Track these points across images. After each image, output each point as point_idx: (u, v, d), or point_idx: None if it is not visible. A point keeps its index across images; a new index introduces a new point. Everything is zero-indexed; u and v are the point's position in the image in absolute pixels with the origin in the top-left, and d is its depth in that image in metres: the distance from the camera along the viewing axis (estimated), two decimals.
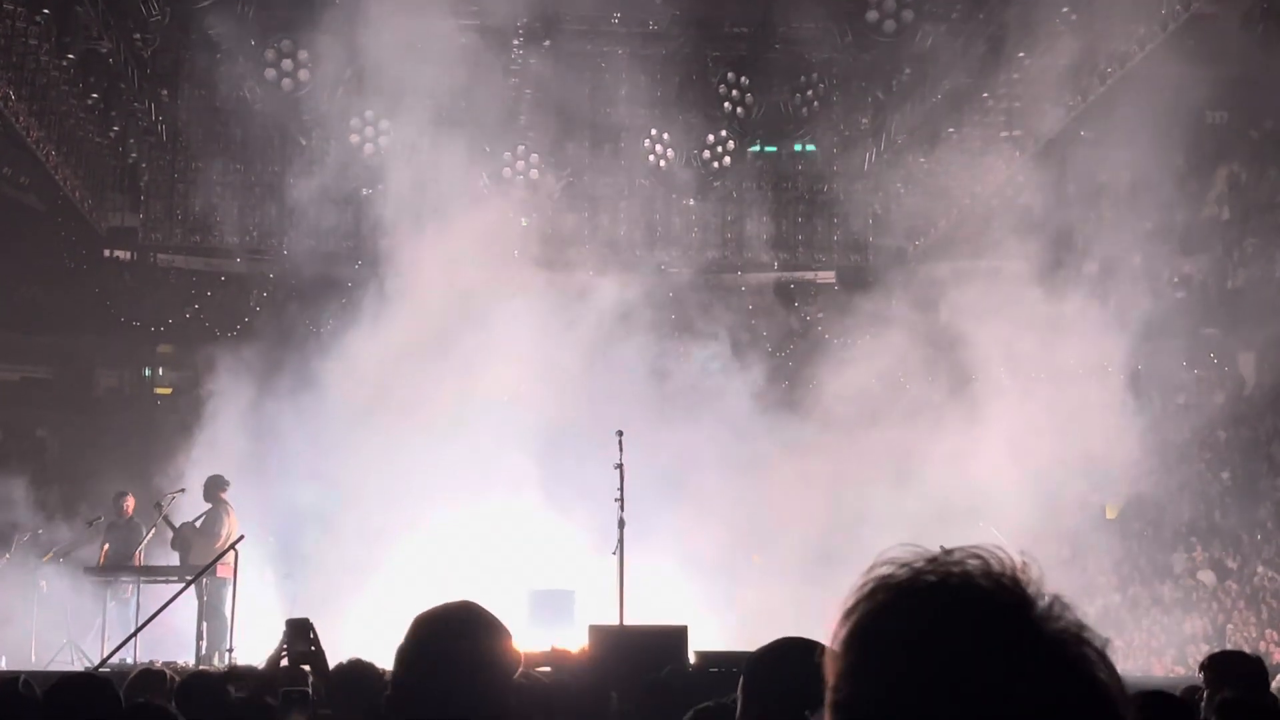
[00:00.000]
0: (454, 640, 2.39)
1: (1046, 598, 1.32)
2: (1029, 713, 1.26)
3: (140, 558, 14.48)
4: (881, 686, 1.30)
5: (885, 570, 1.35)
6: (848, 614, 1.34)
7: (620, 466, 12.23)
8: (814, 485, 16.23)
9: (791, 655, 2.81)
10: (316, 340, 16.89)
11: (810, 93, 22.33)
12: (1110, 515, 20.09)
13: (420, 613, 2.46)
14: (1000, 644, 1.29)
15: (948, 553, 1.35)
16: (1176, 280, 22.78)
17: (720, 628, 14.10)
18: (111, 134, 19.93)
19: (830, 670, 1.34)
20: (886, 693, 1.29)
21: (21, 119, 17.28)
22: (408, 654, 2.40)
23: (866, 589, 1.35)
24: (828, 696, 1.34)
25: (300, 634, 6.27)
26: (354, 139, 20.49)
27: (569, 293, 17.24)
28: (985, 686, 1.27)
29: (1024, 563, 1.34)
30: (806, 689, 2.66)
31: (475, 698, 2.34)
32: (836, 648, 1.34)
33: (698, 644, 10.05)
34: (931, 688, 1.27)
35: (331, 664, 6.46)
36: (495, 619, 2.44)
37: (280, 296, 20.37)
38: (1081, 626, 1.32)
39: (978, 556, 1.34)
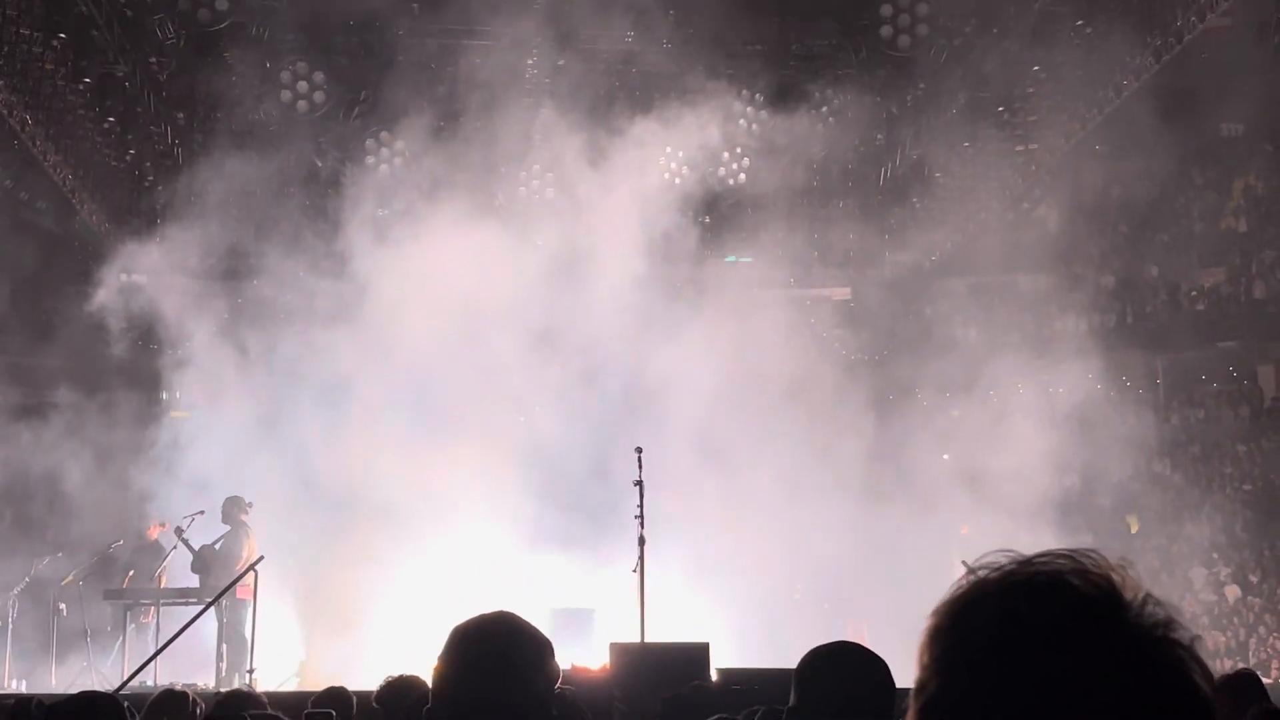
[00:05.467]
0: (495, 652, 2.35)
1: (1139, 595, 1.32)
2: (1117, 710, 1.25)
3: (162, 580, 14.52)
4: (967, 681, 1.29)
5: (979, 573, 1.35)
6: (937, 611, 1.34)
7: (640, 483, 12.20)
8: (834, 506, 16.20)
9: (846, 657, 3.01)
10: (333, 359, 16.95)
11: (825, 109, 22.34)
12: (1134, 529, 20.01)
13: (458, 624, 2.42)
14: (1089, 640, 1.28)
15: (1041, 554, 1.34)
16: (1194, 293, 22.69)
17: (742, 646, 14.05)
18: (128, 158, 20.01)
19: (916, 665, 1.34)
20: (971, 686, 1.28)
21: (39, 143, 17.36)
22: (448, 666, 2.36)
23: (957, 589, 1.35)
24: (913, 691, 1.33)
25: None
26: (369, 160, 20.55)
27: (583, 308, 17.26)
28: (1072, 682, 1.25)
29: (1119, 562, 1.33)
30: (858, 687, 2.79)
31: (518, 710, 2.30)
32: (923, 642, 1.34)
33: (720, 661, 10.02)
34: (1018, 682, 1.26)
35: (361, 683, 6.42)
36: (536, 630, 2.41)
37: (298, 318, 20.37)
38: (1174, 625, 1.31)
39: (1070, 557, 1.33)
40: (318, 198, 20.90)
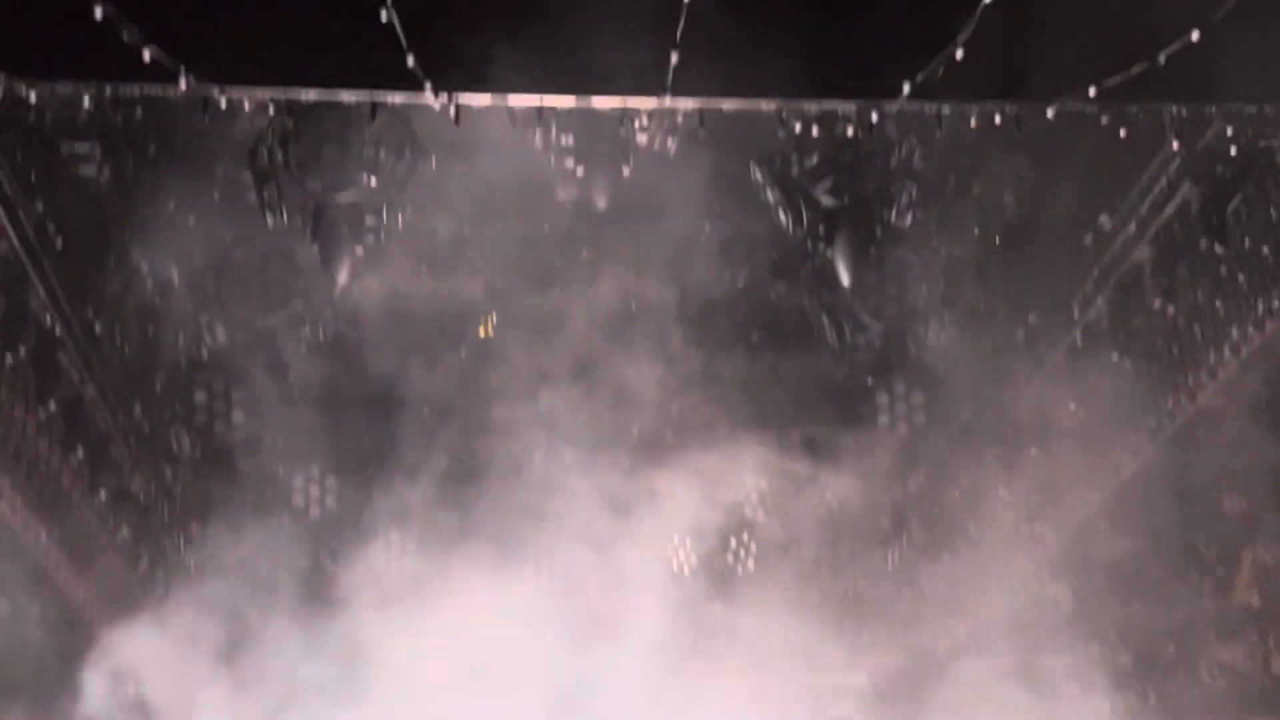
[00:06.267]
0: None
1: None
2: None
3: None
4: None
5: None
6: None
7: None
8: None
9: None
10: None
11: (829, 494, 22.59)
12: None
13: None
14: None
15: None
16: (1216, 669, 22.38)
17: None
18: (141, 569, 20.11)
19: None
20: None
21: (53, 559, 17.49)
22: None
23: None
24: None
25: None
26: (379, 561, 20.67)
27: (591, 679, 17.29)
28: None
29: None
30: None
31: None
32: None
33: None
34: None
35: None
36: None
37: (301, 699, 20.20)
38: None
39: None
40: (324, 587, 20.88)
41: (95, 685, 19.12)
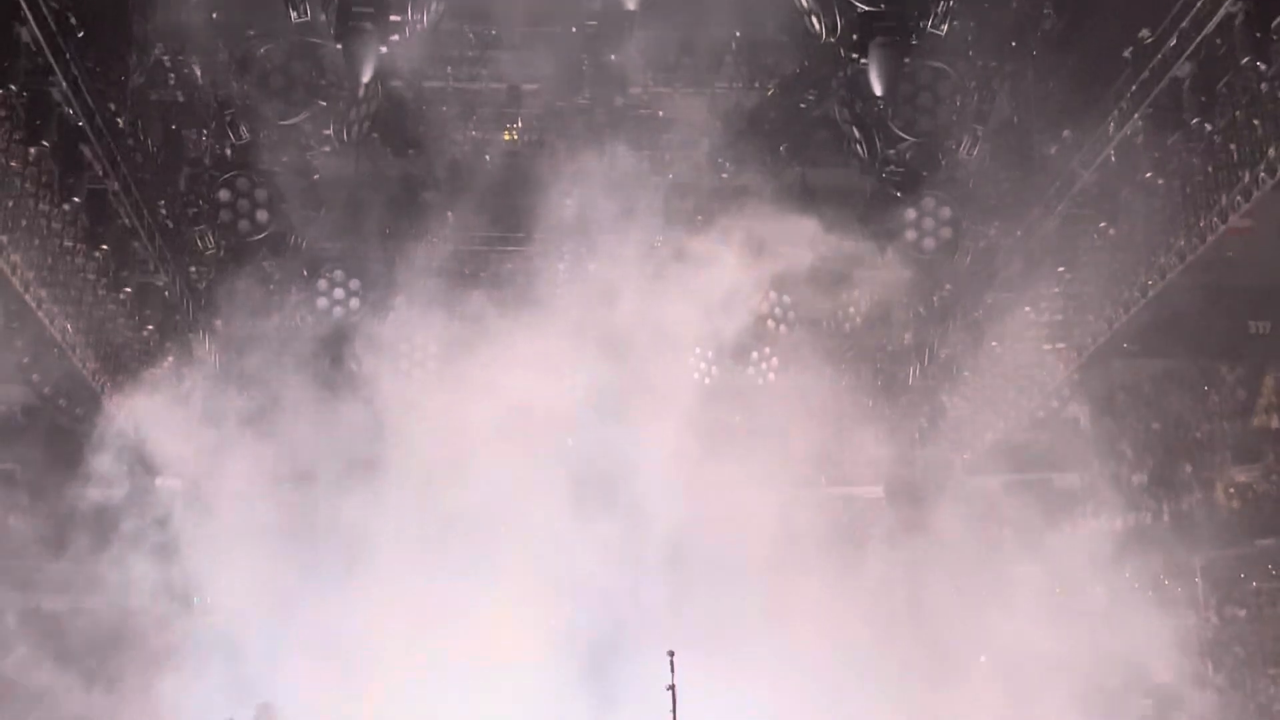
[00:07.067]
0: None
1: None
2: None
3: None
4: None
5: None
6: None
7: (673, 689, 12.12)
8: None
9: None
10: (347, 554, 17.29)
11: (853, 309, 22.58)
12: None
13: None
14: None
15: None
16: (1231, 490, 22.54)
17: None
18: (166, 364, 20.29)
19: None
20: None
21: (78, 351, 17.65)
22: None
23: None
24: None
25: None
26: (402, 364, 20.80)
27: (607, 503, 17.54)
28: None
29: None
30: None
31: None
32: None
33: None
34: None
35: None
36: None
37: (324, 518, 20.53)
38: None
39: None
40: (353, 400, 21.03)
41: (118, 467, 19.55)
